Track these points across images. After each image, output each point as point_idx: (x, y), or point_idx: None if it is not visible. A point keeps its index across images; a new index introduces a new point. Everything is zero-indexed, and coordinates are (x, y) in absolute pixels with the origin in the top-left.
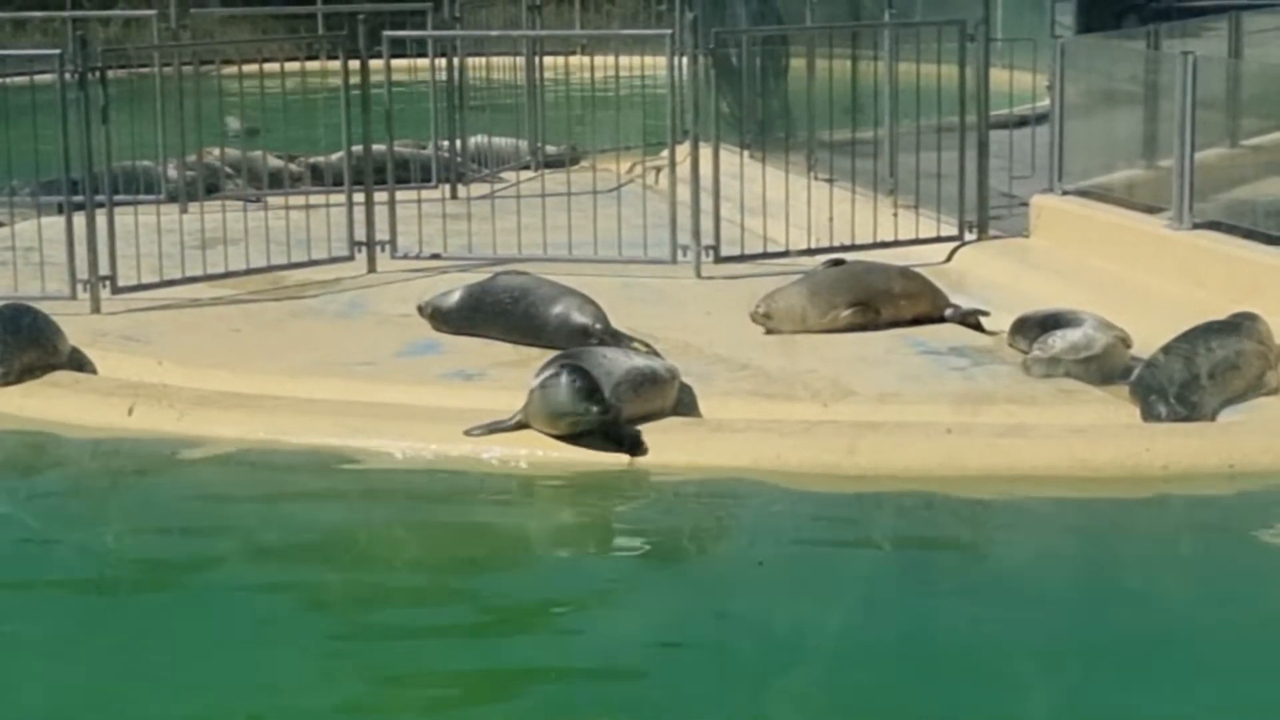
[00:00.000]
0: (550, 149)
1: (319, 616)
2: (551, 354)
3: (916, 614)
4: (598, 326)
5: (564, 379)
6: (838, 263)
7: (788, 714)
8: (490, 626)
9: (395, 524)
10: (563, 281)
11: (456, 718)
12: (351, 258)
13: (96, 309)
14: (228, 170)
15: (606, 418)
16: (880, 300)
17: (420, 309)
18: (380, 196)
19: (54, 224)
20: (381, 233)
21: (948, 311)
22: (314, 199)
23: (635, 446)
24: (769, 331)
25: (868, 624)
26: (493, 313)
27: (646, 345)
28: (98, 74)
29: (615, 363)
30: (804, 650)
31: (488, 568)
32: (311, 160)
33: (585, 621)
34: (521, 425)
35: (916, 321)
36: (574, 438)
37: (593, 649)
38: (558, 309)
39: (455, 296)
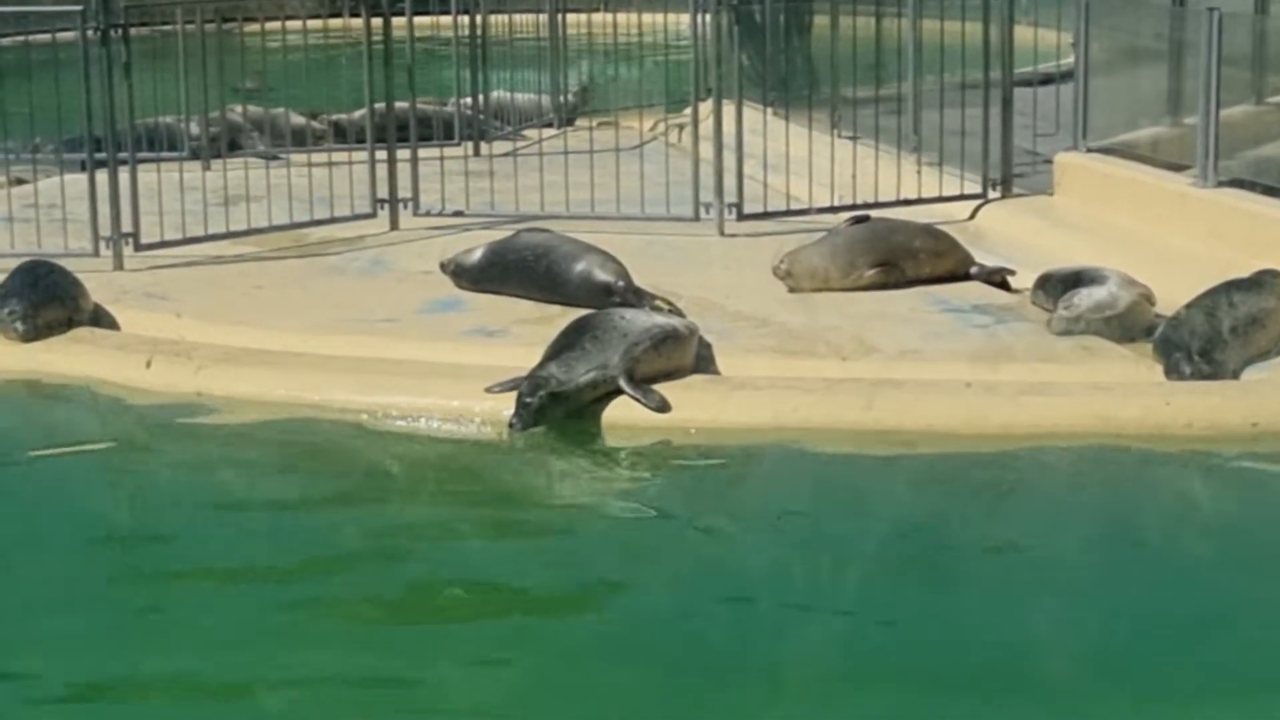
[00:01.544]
0: (570, 98)
1: (338, 573)
2: (575, 313)
3: (935, 572)
4: (620, 284)
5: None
6: (862, 220)
7: (805, 669)
8: (512, 582)
9: (416, 481)
10: (585, 239)
11: (484, 670)
12: (374, 215)
13: (119, 266)
14: (250, 127)
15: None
16: (904, 259)
17: (443, 266)
18: (403, 154)
19: (77, 181)
20: (404, 190)
21: (973, 269)
22: (336, 156)
23: (659, 405)
24: (791, 289)
25: (885, 581)
26: (515, 270)
27: (669, 304)
28: (120, 31)
29: (634, 321)
30: (822, 607)
31: (507, 525)
32: (334, 117)
33: (605, 576)
34: None
35: (941, 280)
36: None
37: (613, 603)
38: (580, 266)
39: (478, 254)
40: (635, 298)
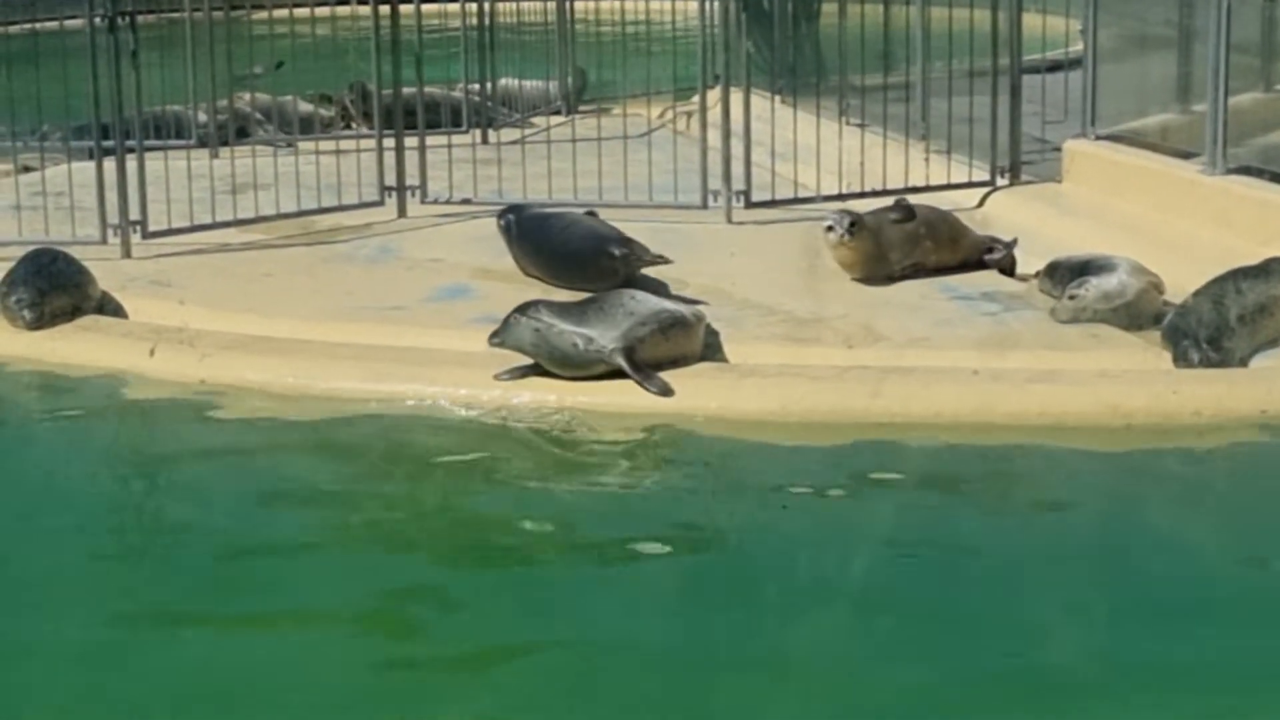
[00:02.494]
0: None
1: (342, 561)
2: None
3: (941, 560)
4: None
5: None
6: (906, 208)
7: (810, 657)
8: (514, 571)
9: (423, 468)
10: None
11: (484, 664)
12: (382, 203)
13: (127, 254)
14: (258, 116)
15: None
16: (918, 249)
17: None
18: (410, 141)
19: (84, 169)
20: (412, 178)
21: (987, 256)
22: (344, 144)
23: (661, 389)
24: (848, 267)
25: (891, 569)
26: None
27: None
28: (127, 18)
29: (642, 302)
30: (828, 595)
31: (515, 513)
32: (343, 105)
33: (612, 563)
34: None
35: (952, 268)
36: (598, 379)
37: (619, 590)
38: (594, 243)
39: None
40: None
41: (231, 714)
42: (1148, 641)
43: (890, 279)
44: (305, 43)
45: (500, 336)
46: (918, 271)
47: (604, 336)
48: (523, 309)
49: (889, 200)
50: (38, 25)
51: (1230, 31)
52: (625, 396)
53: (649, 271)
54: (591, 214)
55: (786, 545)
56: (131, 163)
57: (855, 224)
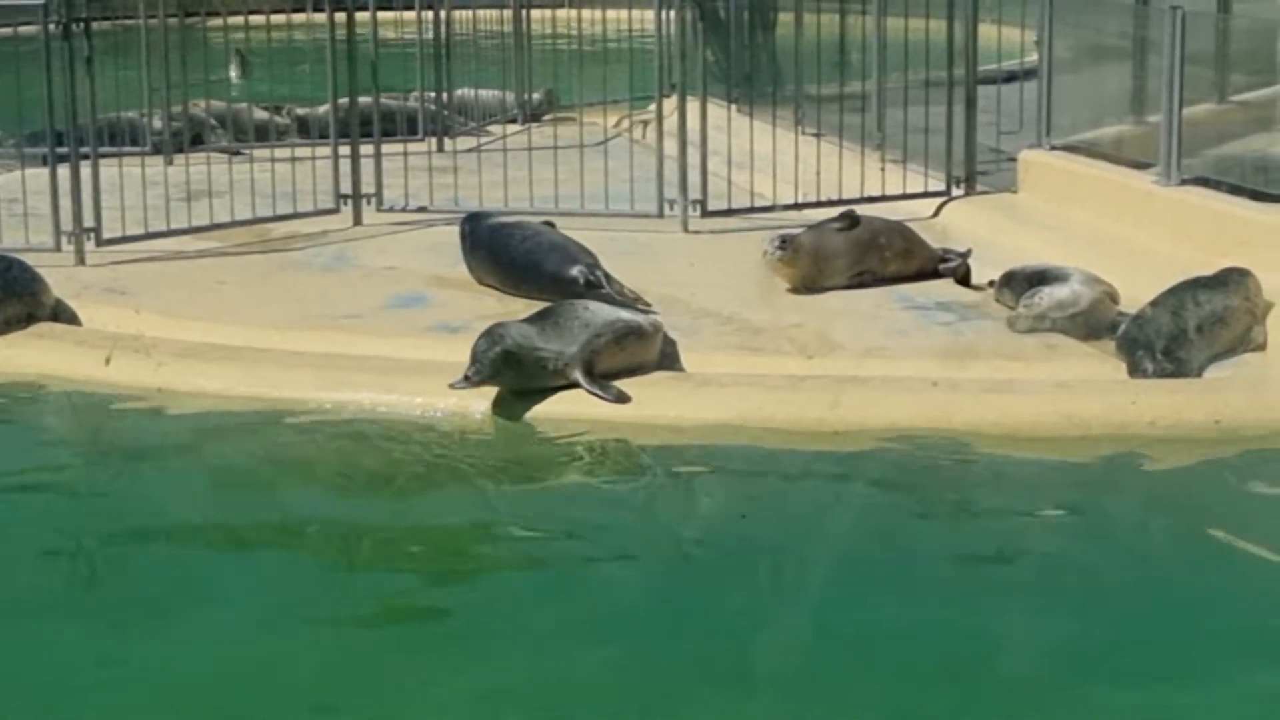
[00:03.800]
0: (535, 97)
1: (297, 569)
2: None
3: (899, 569)
4: (597, 274)
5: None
6: (851, 218)
7: (769, 668)
8: (464, 580)
9: (379, 476)
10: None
11: (444, 670)
12: (337, 210)
13: (81, 261)
14: (213, 122)
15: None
16: (874, 259)
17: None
18: (366, 149)
19: (38, 175)
20: (367, 185)
21: (942, 265)
22: (300, 151)
23: (616, 397)
24: (791, 284)
25: (849, 578)
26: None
27: (635, 295)
28: (82, 25)
29: (598, 313)
30: (787, 605)
31: (469, 520)
32: (298, 112)
33: (569, 573)
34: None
35: (910, 278)
36: (557, 390)
37: (576, 601)
38: (555, 255)
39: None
40: (607, 284)
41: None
42: (1101, 645)
43: (845, 287)
44: (261, 50)
45: (478, 375)
46: (877, 281)
47: (563, 351)
48: (488, 342)
49: (848, 207)
50: None
51: (1185, 43)
52: (581, 405)
53: (612, 271)
54: (549, 224)
55: (744, 554)
56: (86, 169)
57: (785, 242)
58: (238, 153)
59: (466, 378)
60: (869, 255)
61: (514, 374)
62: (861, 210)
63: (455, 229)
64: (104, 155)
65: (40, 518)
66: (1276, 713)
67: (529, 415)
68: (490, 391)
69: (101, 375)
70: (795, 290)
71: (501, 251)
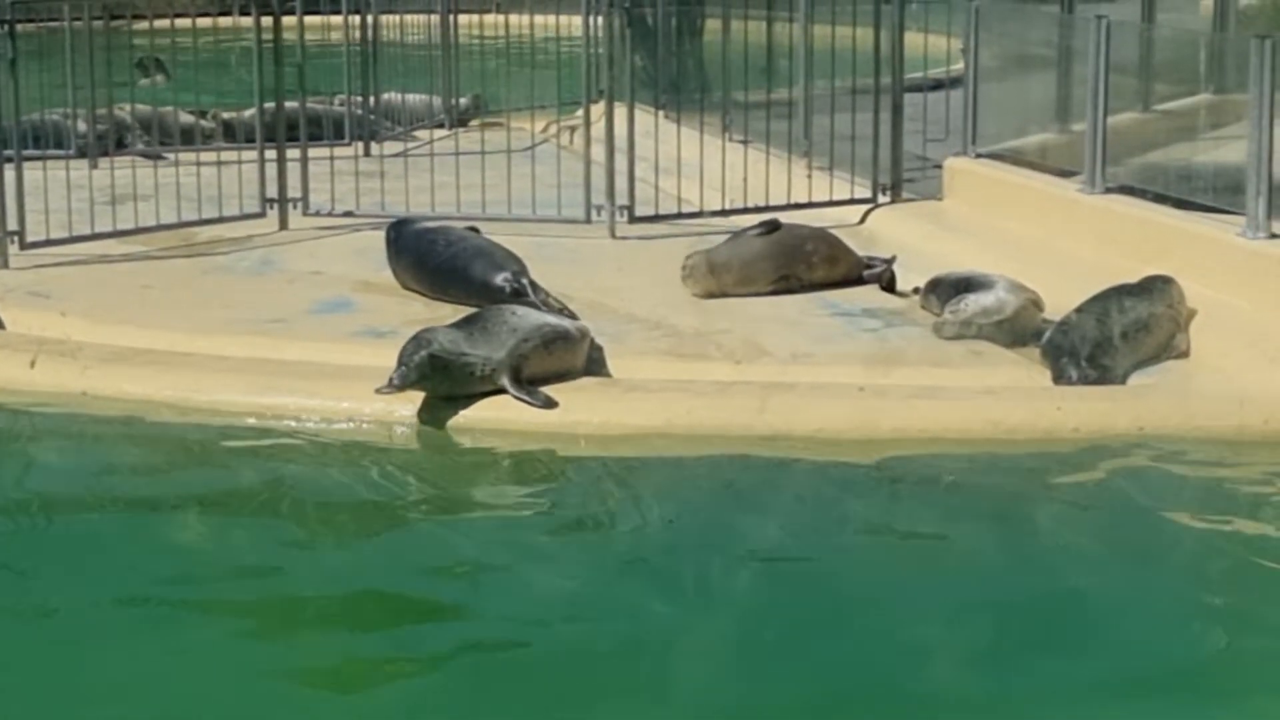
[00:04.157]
0: (462, 101)
1: (221, 578)
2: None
3: (825, 573)
4: (523, 281)
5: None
6: (772, 225)
7: (695, 671)
8: (394, 588)
9: (303, 482)
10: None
11: (362, 683)
12: (263, 214)
13: (4, 264)
14: (138, 126)
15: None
16: (799, 266)
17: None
18: (293, 153)
19: None
20: (293, 190)
21: (865, 273)
22: (226, 155)
23: (544, 403)
24: (696, 293)
25: (775, 583)
26: (422, 253)
27: (561, 304)
28: (5, 26)
29: (525, 318)
30: (712, 609)
31: (393, 527)
32: (224, 116)
33: (494, 581)
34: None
35: (836, 284)
36: (483, 396)
37: (502, 609)
38: (481, 261)
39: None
40: (533, 292)
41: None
42: (1022, 650)
43: (771, 293)
44: (187, 53)
45: (401, 380)
46: (803, 287)
47: (490, 356)
48: (414, 346)
49: (771, 215)
50: None
51: (1109, 52)
52: (508, 411)
53: (539, 279)
54: (473, 229)
55: (670, 558)
56: (9, 172)
57: (691, 264)
58: (162, 156)
59: (392, 382)
60: (795, 262)
61: (441, 379)
62: (788, 217)
63: (382, 234)
64: (27, 158)
65: None
66: None
67: (454, 421)
68: (415, 397)
69: (26, 379)
70: (717, 293)
71: (427, 257)
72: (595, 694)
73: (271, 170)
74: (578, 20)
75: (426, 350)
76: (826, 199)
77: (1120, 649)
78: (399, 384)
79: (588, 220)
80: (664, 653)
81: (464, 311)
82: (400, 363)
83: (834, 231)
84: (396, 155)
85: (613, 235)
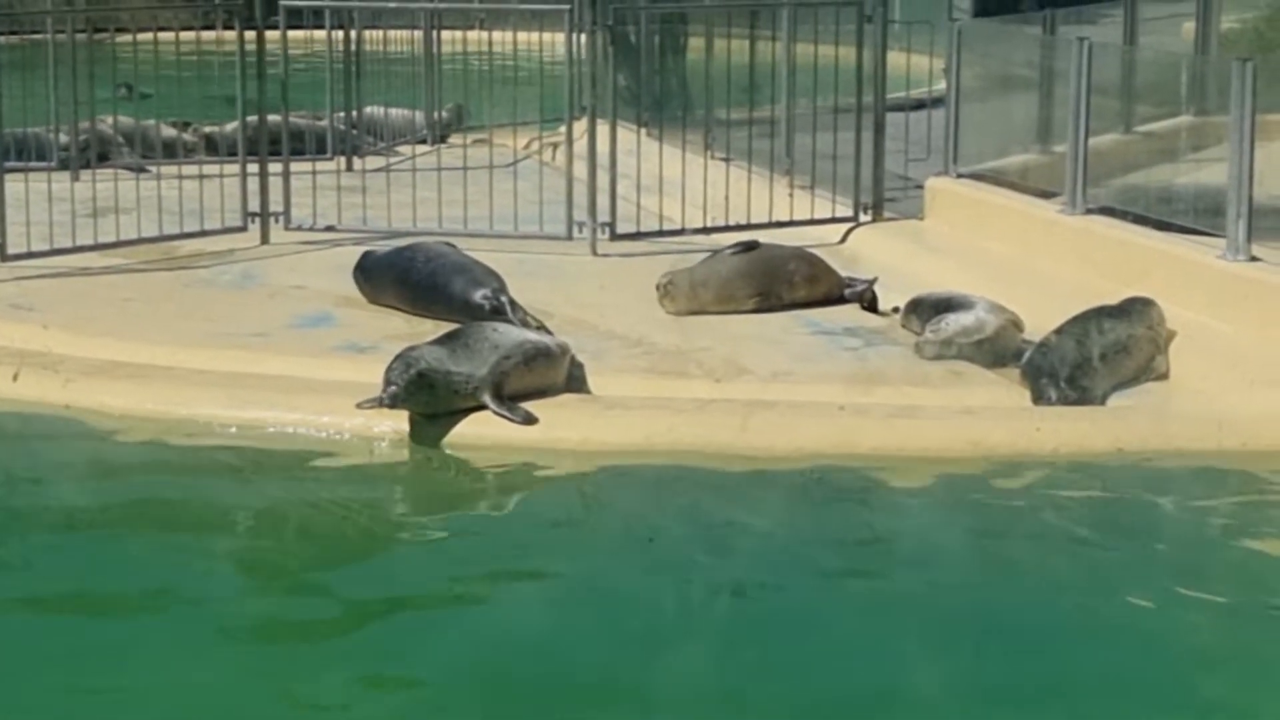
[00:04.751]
0: (443, 115)
1: (201, 591)
2: (447, 327)
3: (804, 592)
4: (501, 299)
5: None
6: (750, 246)
7: (674, 690)
8: (373, 603)
9: (283, 497)
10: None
11: (345, 698)
12: (245, 229)
13: None
14: (119, 139)
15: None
16: (781, 286)
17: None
18: (275, 168)
19: None
20: (275, 204)
21: (846, 291)
22: (208, 169)
23: (524, 419)
24: (669, 311)
25: (755, 601)
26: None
27: (539, 322)
28: None
29: (506, 335)
30: (692, 627)
31: (374, 543)
32: (206, 130)
33: (475, 597)
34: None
35: (816, 303)
36: (466, 412)
37: (482, 626)
38: (461, 278)
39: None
40: (512, 310)
41: None
42: (1002, 665)
43: (753, 311)
44: (170, 66)
45: (391, 399)
46: (784, 306)
47: (473, 373)
48: (402, 366)
49: (753, 234)
50: None
51: (1091, 74)
52: (489, 427)
53: (518, 298)
54: (449, 245)
55: (649, 577)
56: None
57: (666, 282)
58: (144, 169)
59: (382, 400)
60: (776, 281)
61: (427, 397)
62: (770, 235)
63: (363, 249)
64: (10, 170)
65: None
66: None
67: (435, 437)
68: (396, 413)
69: (8, 391)
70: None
71: (407, 273)
72: (571, 708)
73: (254, 184)
74: (561, 37)
75: (415, 369)
76: (808, 218)
77: (1090, 662)
78: (389, 403)
79: (569, 237)
80: (642, 666)
81: (444, 327)
82: (389, 381)
83: (815, 250)
84: (379, 170)
85: (594, 252)
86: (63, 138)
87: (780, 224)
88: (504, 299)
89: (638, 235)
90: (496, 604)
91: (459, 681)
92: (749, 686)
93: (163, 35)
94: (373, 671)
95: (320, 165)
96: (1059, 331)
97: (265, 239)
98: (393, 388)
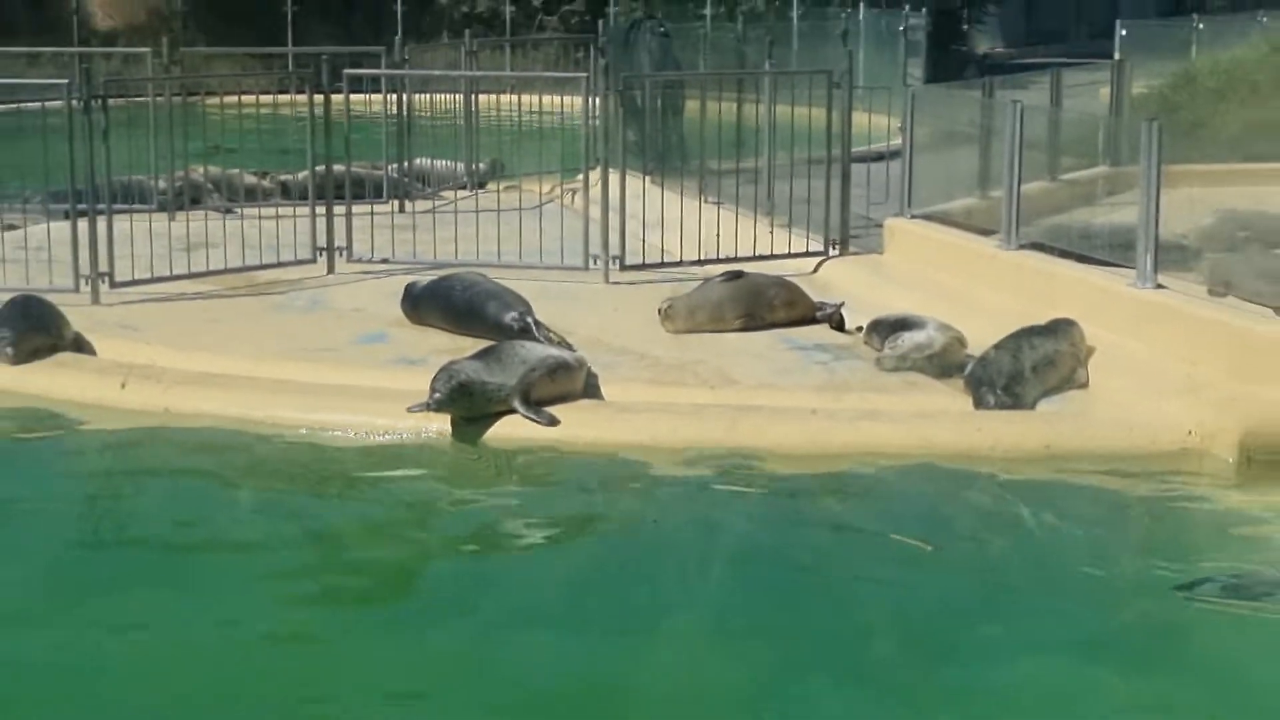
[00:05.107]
0: (480, 167)
1: (273, 563)
2: (482, 344)
3: (784, 561)
4: (528, 320)
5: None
6: (735, 275)
7: (673, 608)
8: (434, 552)
9: (347, 484)
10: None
11: (383, 656)
12: (314, 260)
13: (96, 300)
14: (209, 185)
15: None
16: (764, 310)
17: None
18: (339, 209)
19: (61, 228)
20: (339, 240)
21: (818, 313)
22: (283, 210)
23: (549, 421)
24: (670, 330)
25: (742, 572)
26: (442, 298)
27: (560, 339)
28: (100, 101)
29: (532, 351)
30: (690, 592)
31: (426, 515)
32: (281, 177)
33: (503, 569)
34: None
35: (793, 324)
36: (499, 415)
37: (509, 593)
38: (494, 302)
39: (421, 284)
40: (537, 329)
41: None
42: (950, 616)
43: (740, 330)
44: (251, 124)
45: (437, 404)
46: (766, 326)
47: (505, 383)
48: (446, 377)
49: (739, 266)
50: (22, 105)
51: (1023, 131)
52: (519, 428)
53: (543, 319)
54: (482, 275)
55: (650, 551)
56: (101, 223)
57: (666, 306)
58: (230, 211)
59: (429, 406)
60: (759, 305)
61: (466, 402)
62: (753, 267)
63: (413, 278)
64: (117, 211)
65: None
66: None
67: (475, 436)
68: (440, 415)
69: (117, 398)
70: (690, 329)
71: (448, 299)
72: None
73: (321, 223)
74: (579, 101)
75: (456, 380)
76: (786, 252)
77: (1021, 626)
78: (435, 408)
79: (586, 268)
80: (647, 625)
81: (481, 343)
82: (434, 390)
83: (792, 279)
84: (426, 212)
85: (607, 280)
86: (161, 184)
87: (762, 257)
88: (530, 320)
89: (643, 266)
90: (520, 574)
91: (476, 646)
92: (737, 641)
93: (245, 98)
94: (411, 626)
95: (377, 207)
96: (996, 347)
97: (331, 269)
98: (437, 395)
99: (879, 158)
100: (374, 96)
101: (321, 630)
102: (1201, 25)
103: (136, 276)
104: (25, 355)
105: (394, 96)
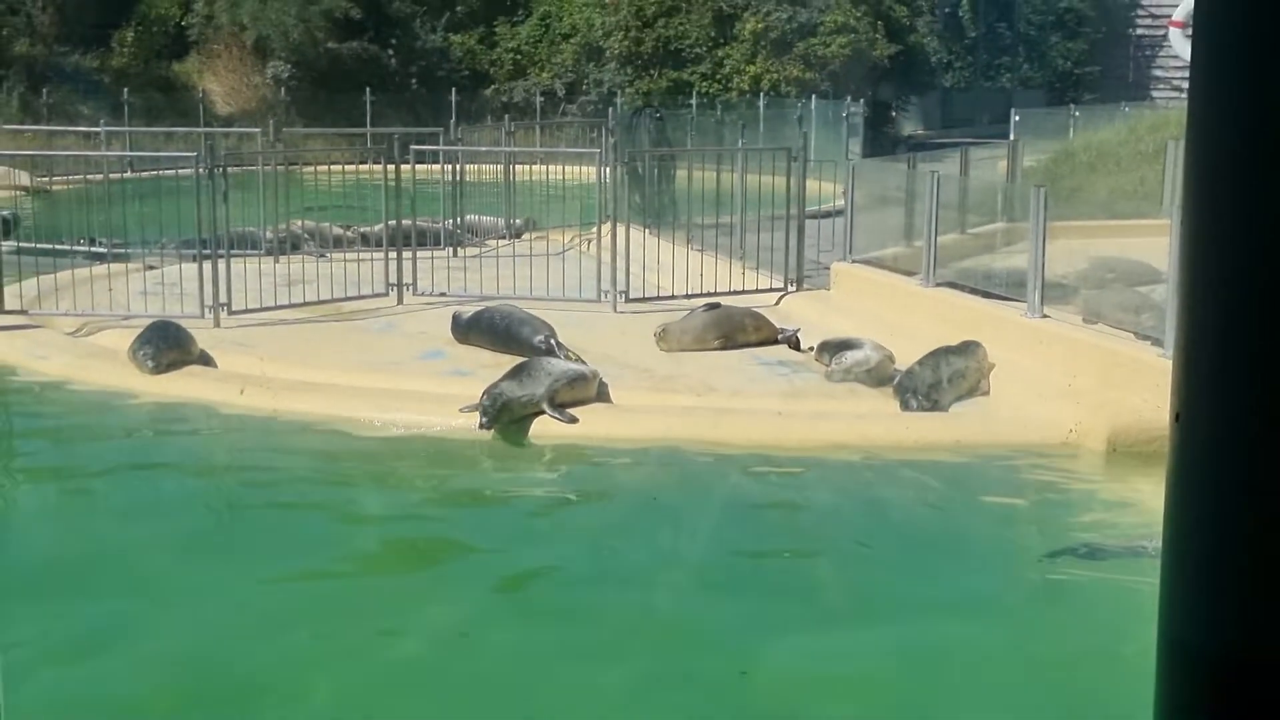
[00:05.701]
0: (517, 222)
1: (345, 532)
2: (517, 359)
3: (756, 529)
4: (551, 341)
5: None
6: (713, 306)
7: (672, 597)
8: (489, 520)
9: (413, 469)
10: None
11: (414, 621)
12: (387, 294)
13: (218, 325)
14: (305, 235)
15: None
16: (737, 333)
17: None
18: (406, 254)
19: (190, 268)
20: (407, 277)
21: (780, 336)
22: (363, 255)
23: (570, 420)
24: (663, 349)
25: (723, 539)
26: (485, 324)
27: (578, 356)
28: (221, 170)
29: (556, 365)
30: (681, 556)
31: (478, 491)
32: (361, 229)
33: (528, 536)
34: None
35: (760, 344)
36: (531, 417)
37: (531, 560)
38: (526, 327)
39: (468, 313)
40: (560, 349)
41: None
42: (892, 571)
43: (720, 349)
44: (338, 188)
45: (489, 421)
46: (739, 346)
47: (538, 393)
48: (491, 399)
49: (717, 299)
50: (160, 173)
51: (939, 194)
52: (547, 426)
53: (564, 341)
54: (515, 306)
55: (654, 519)
56: (221, 264)
57: (660, 330)
58: (321, 255)
59: (481, 424)
60: (734, 330)
61: (507, 415)
62: (729, 300)
63: (465, 309)
64: (234, 255)
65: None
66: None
67: (515, 432)
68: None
69: (236, 400)
70: (679, 350)
71: (490, 325)
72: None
73: (393, 265)
74: (593, 170)
75: (499, 402)
76: (754, 288)
77: (939, 580)
78: (487, 425)
79: (599, 300)
80: (645, 586)
81: (514, 360)
82: (484, 411)
83: (759, 309)
84: (475, 256)
85: (615, 310)
86: (268, 234)
87: (735, 292)
88: (554, 341)
89: (643, 299)
90: (543, 541)
91: (493, 606)
92: (721, 592)
93: (334, 168)
94: (498, 548)
95: (436, 253)
96: (919, 363)
97: (400, 301)
98: (484, 418)
99: (827, 215)
100: (434, 166)
101: (365, 612)
102: (1078, 113)
103: (249, 306)
104: (164, 367)
105: (450, 166)
